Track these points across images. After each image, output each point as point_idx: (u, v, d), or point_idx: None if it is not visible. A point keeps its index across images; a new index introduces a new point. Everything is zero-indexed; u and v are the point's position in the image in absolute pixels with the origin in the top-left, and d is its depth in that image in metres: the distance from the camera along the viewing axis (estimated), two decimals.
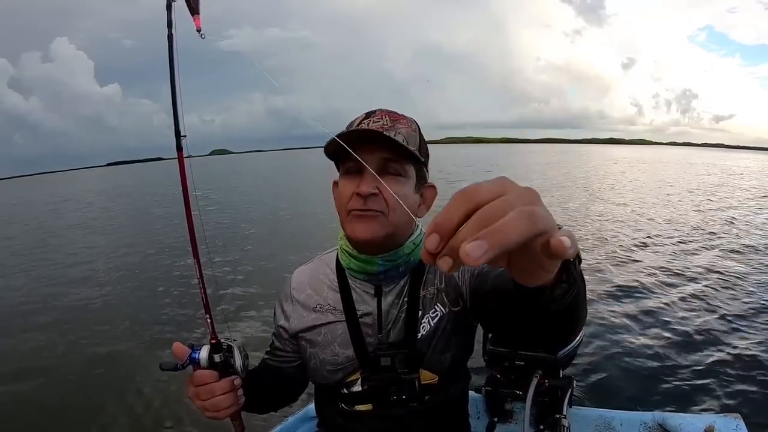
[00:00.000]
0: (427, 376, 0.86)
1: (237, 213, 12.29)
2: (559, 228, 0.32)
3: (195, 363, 0.78)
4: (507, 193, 0.31)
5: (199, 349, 0.79)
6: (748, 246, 6.64)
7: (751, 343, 3.44)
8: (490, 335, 1.29)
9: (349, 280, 0.89)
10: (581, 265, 0.53)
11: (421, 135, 0.84)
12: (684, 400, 2.73)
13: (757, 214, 9.68)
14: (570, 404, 1.37)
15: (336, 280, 0.90)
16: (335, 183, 0.87)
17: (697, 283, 4.94)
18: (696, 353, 3.30)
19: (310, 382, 1.00)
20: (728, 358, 3.22)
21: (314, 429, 1.09)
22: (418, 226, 0.89)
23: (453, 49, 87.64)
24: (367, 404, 0.87)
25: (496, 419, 1.39)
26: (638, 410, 1.53)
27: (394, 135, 0.77)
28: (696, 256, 6.10)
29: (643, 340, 3.54)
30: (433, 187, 0.89)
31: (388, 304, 0.86)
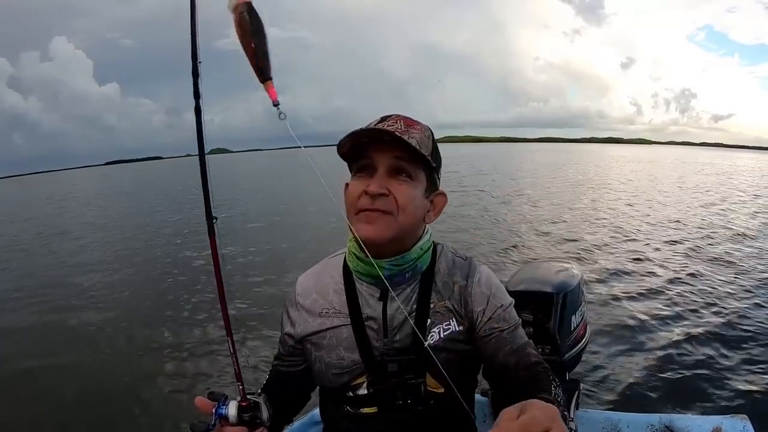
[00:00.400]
0: (433, 384, 0.86)
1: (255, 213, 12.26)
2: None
3: (223, 418, 0.78)
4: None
5: (225, 405, 0.79)
6: (754, 246, 6.63)
7: (757, 343, 3.43)
8: None
9: (356, 283, 0.89)
10: None
11: (434, 142, 0.85)
12: (691, 402, 2.72)
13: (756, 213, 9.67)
14: (577, 407, 1.37)
15: (342, 282, 0.90)
16: (347, 185, 0.87)
17: (702, 284, 4.92)
18: (702, 354, 3.29)
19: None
20: (735, 358, 3.21)
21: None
22: (427, 231, 0.89)
23: (452, 49, 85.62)
24: (372, 407, 0.86)
25: None
26: (645, 412, 1.52)
27: (408, 138, 0.77)
28: (700, 257, 6.09)
29: (649, 342, 3.53)
30: (443, 194, 0.89)
31: (394, 308, 0.86)
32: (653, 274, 5.35)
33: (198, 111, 0.82)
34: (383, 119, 0.81)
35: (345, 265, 0.91)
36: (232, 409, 0.78)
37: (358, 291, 0.88)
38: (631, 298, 4.51)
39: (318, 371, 0.90)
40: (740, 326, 3.74)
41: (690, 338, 3.57)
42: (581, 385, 1.40)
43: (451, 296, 0.88)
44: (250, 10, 0.77)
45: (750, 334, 3.59)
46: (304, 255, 6.54)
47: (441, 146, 0.89)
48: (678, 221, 8.85)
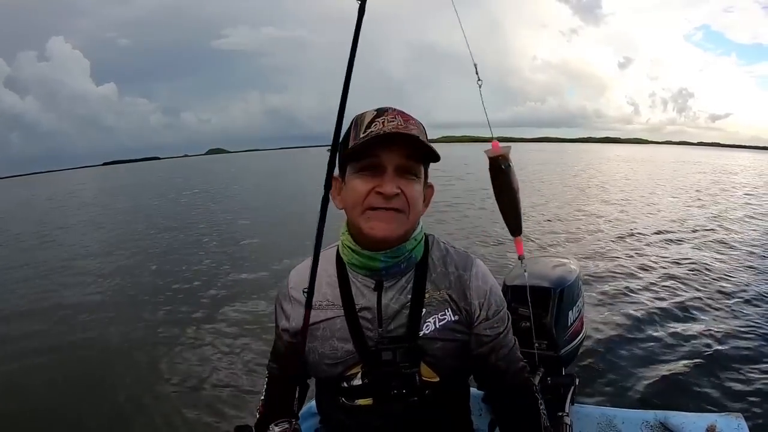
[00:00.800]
0: (428, 373, 0.86)
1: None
2: None
3: None
4: None
5: None
6: (750, 246, 6.66)
7: (753, 342, 3.44)
8: None
9: (350, 274, 0.89)
10: None
11: (426, 134, 0.86)
12: (686, 399, 2.73)
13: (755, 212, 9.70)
14: (572, 402, 1.37)
15: (335, 275, 0.91)
16: (334, 179, 0.88)
17: (699, 282, 4.94)
18: (698, 352, 3.30)
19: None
20: (730, 357, 3.22)
21: (316, 426, 1.09)
22: (419, 222, 0.90)
23: (449, 49, 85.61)
24: (367, 398, 0.87)
25: None
26: (640, 408, 1.53)
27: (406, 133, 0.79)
28: (697, 255, 6.10)
29: (645, 339, 3.55)
30: (432, 186, 0.92)
31: (389, 298, 0.87)
32: (651, 271, 5.37)
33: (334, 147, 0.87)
34: (380, 113, 0.82)
35: (338, 258, 0.92)
36: None
37: (352, 282, 0.89)
38: (629, 295, 4.53)
39: (312, 362, 0.90)
40: (736, 324, 3.76)
41: (686, 336, 3.59)
42: (577, 380, 1.40)
43: (449, 286, 0.89)
44: (509, 165, 0.84)
45: (746, 332, 3.61)
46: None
47: (438, 146, 0.90)
48: (674, 219, 8.89)
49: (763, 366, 3.08)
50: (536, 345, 1.40)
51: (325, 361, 0.88)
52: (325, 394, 0.94)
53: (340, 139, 0.86)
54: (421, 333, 0.85)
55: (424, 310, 0.86)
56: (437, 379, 0.87)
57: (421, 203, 0.85)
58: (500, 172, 0.85)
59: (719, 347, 3.38)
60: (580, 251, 6.43)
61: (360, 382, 0.87)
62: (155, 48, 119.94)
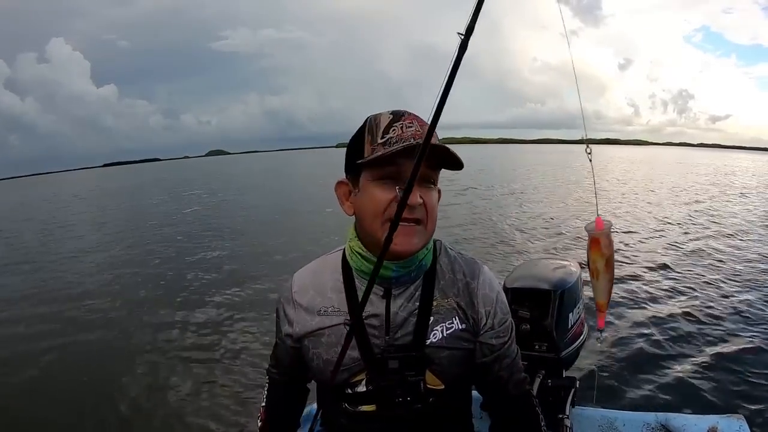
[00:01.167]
0: (433, 381, 0.86)
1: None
2: None
3: None
4: None
5: None
6: (751, 247, 6.65)
7: (754, 344, 3.44)
8: None
9: (356, 281, 0.88)
10: None
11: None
12: (687, 401, 2.73)
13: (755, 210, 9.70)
14: (573, 404, 1.37)
15: (342, 281, 0.89)
16: (340, 183, 0.86)
17: (701, 284, 4.94)
18: (699, 354, 3.30)
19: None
20: (732, 358, 3.22)
21: (317, 429, 1.09)
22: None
23: (448, 50, 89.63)
24: (371, 405, 0.86)
25: None
26: (641, 411, 1.52)
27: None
28: (699, 258, 6.10)
29: (646, 341, 3.54)
30: (439, 190, 0.89)
31: (397, 306, 0.86)
32: (651, 272, 5.36)
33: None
34: (396, 117, 0.79)
35: (343, 263, 0.90)
36: None
37: (359, 289, 0.87)
38: (630, 297, 4.53)
39: (316, 368, 0.89)
40: (737, 326, 3.76)
41: (687, 337, 3.59)
42: (578, 382, 1.40)
43: (457, 294, 0.88)
44: (610, 243, 0.85)
45: (747, 334, 3.60)
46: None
47: None
48: (674, 221, 8.89)
49: (764, 367, 3.07)
50: (536, 347, 1.40)
51: (330, 368, 0.86)
52: (328, 399, 0.93)
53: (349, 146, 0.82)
54: (428, 341, 0.84)
55: (431, 318, 0.85)
56: (442, 387, 0.86)
57: (437, 212, 0.84)
58: (600, 250, 0.86)
59: (720, 349, 3.37)
60: (581, 253, 6.43)
61: (364, 389, 0.86)
62: (155, 49, 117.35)
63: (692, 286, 4.88)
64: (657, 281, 5.03)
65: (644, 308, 4.20)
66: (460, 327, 0.87)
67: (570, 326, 1.45)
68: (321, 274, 0.92)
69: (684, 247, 6.73)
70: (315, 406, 1.08)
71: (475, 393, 1.05)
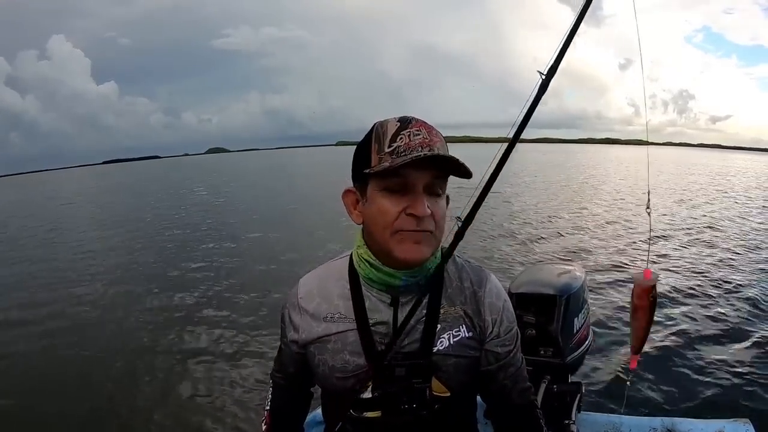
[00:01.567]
0: (439, 388, 0.85)
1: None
2: None
3: None
4: None
5: None
6: (755, 249, 6.62)
7: (760, 347, 3.41)
8: None
9: (363, 288, 0.88)
10: None
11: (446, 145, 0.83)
12: (693, 405, 2.71)
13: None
14: (579, 409, 1.37)
15: (348, 287, 0.89)
16: (348, 191, 0.86)
17: (705, 288, 4.91)
18: (705, 358, 3.28)
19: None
20: (738, 362, 3.20)
21: None
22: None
23: (449, 50, 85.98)
24: (376, 411, 0.86)
25: None
26: (647, 416, 1.52)
27: (437, 151, 0.76)
28: (702, 261, 6.07)
29: (652, 345, 3.52)
30: (447, 196, 0.88)
31: (405, 314, 0.85)
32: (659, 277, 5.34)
33: None
34: (404, 124, 0.78)
35: (351, 270, 0.90)
36: None
37: (366, 296, 0.87)
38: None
39: (322, 374, 0.89)
40: (743, 329, 3.74)
41: (693, 341, 3.57)
42: (583, 387, 1.39)
43: (464, 302, 0.88)
44: (655, 296, 0.90)
45: (753, 337, 3.58)
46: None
47: None
48: (676, 224, 8.85)
49: None
50: (542, 353, 1.39)
51: (336, 375, 0.86)
52: (332, 405, 0.93)
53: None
54: (435, 349, 0.84)
55: (438, 326, 0.85)
56: (448, 394, 0.86)
57: (445, 221, 0.83)
58: (646, 301, 0.90)
59: (726, 352, 3.35)
60: (584, 257, 6.41)
61: (370, 396, 0.85)
62: (156, 47, 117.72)
63: (696, 289, 4.85)
64: (661, 285, 5.01)
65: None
66: (467, 335, 0.86)
67: (575, 331, 1.45)
68: (327, 280, 0.92)
69: (690, 251, 6.69)
70: (319, 411, 1.08)
71: (480, 400, 1.05)
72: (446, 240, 0.89)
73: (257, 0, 69.69)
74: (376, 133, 0.79)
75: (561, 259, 6.30)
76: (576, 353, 1.45)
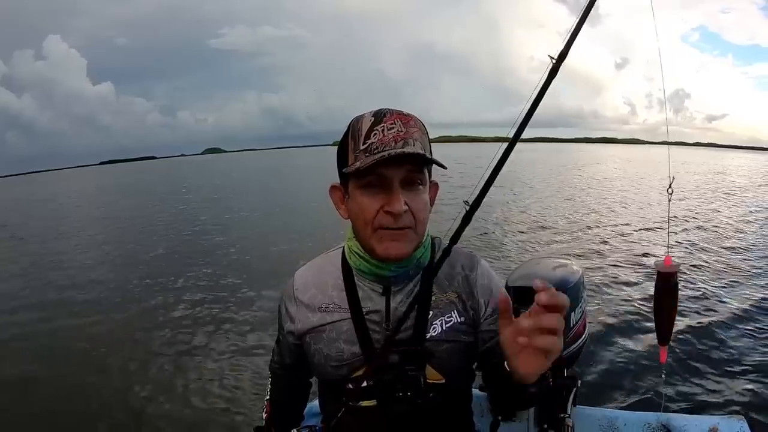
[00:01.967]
0: (434, 375, 0.86)
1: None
2: None
3: None
4: None
5: None
6: (753, 244, 6.65)
7: (755, 344, 3.44)
8: None
9: (356, 278, 0.89)
10: None
11: (427, 133, 0.84)
12: (688, 401, 2.73)
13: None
14: (574, 403, 1.37)
15: (341, 278, 0.90)
16: (334, 187, 0.87)
17: (700, 283, 4.94)
18: (700, 354, 3.31)
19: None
20: (733, 359, 3.23)
21: (318, 425, 1.09)
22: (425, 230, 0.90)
23: (446, 49, 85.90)
24: (371, 400, 0.87)
25: (500, 418, 1.39)
26: (643, 410, 1.53)
27: (413, 144, 0.76)
28: (698, 256, 6.10)
29: (648, 341, 3.54)
30: (436, 184, 0.89)
31: (397, 302, 0.87)
32: (652, 272, 5.36)
33: None
34: (378, 119, 0.78)
35: (343, 261, 0.92)
36: None
37: (359, 286, 0.88)
38: (632, 296, 4.53)
39: (317, 363, 0.90)
40: (738, 327, 3.76)
41: (688, 338, 3.59)
42: (579, 381, 1.40)
43: (457, 287, 0.90)
44: (677, 283, 0.92)
45: (748, 334, 3.60)
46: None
47: (435, 146, 0.87)
48: (674, 220, 8.88)
49: (765, 368, 3.07)
50: None
51: (331, 363, 0.88)
52: (329, 395, 0.94)
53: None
54: (428, 335, 0.85)
55: (431, 312, 0.86)
56: (442, 381, 0.87)
57: (428, 212, 0.83)
58: (668, 288, 0.92)
59: (721, 349, 3.37)
60: (581, 252, 6.43)
61: (365, 384, 0.87)
62: (152, 47, 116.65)
63: (693, 285, 4.87)
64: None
65: (645, 307, 4.20)
66: (459, 320, 0.88)
67: (572, 325, 1.45)
68: (322, 271, 0.94)
69: (685, 247, 6.72)
70: (316, 403, 1.09)
71: (475, 391, 1.05)
72: (453, 226, 0.91)
73: (255, 0, 66.61)
74: (352, 129, 0.80)
75: (559, 253, 6.33)
76: (572, 347, 1.45)
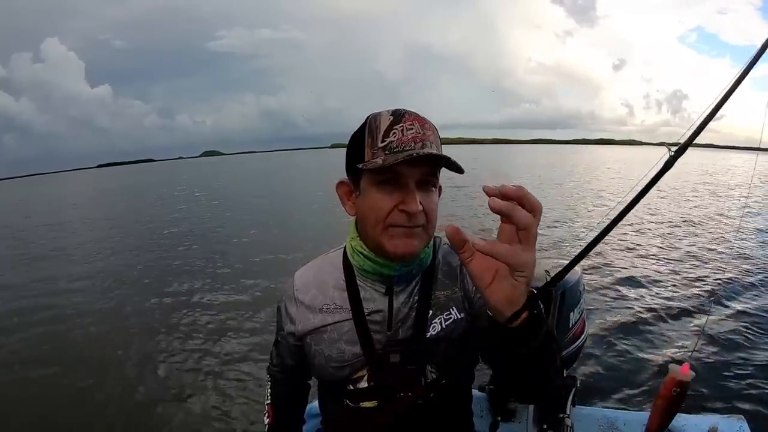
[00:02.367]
0: (434, 375, 0.86)
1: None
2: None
3: None
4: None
5: None
6: (754, 249, 6.65)
7: (755, 344, 3.44)
8: None
9: (358, 278, 0.89)
10: None
11: (439, 137, 0.83)
12: (688, 401, 2.71)
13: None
14: (573, 404, 1.37)
15: (343, 278, 0.90)
16: (342, 183, 0.86)
17: (700, 284, 4.94)
18: (700, 354, 3.30)
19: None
20: (732, 358, 3.22)
21: (318, 426, 1.09)
22: None
23: (443, 50, 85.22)
24: (372, 401, 0.87)
25: (499, 418, 1.39)
26: (642, 410, 1.53)
27: (430, 146, 0.76)
28: (700, 258, 6.10)
29: (646, 341, 3.55)
30: (440, 187, 0.89)
31: (400, 302, 0.87)
32: (654, 272, 5.36)
33: None
34: (396, 118, 0.78)
35: (344, 261, 0.91)
36: None
37: (361, 286, 0.88)
38: (630, 296, 4.53)
39: (318, 364, 0.90)
40: (738, 326, 3.75)
41: (687, 337, 3.59)
42: (578, 381, 1.40)
43: (454, 281, 0.89)
44: (686, 392, 0.94)
45: (748, 334, 3.60)
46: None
47: None
48: (671, 221, 8.89)
49: (764, 367, 3.07)
50: None
51: (332, 364, 0.87)
52: (329, 396, 0.94)
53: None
54: (428, 334, 0.85)
55: (431, 311, 0.86)
56: (443, 381, 0.87)
57: (437, 213, 0.83)
58: (678, 396, 0.96)
59: (721, 349, 3.37)
60: (578, 251, 6.43)
61: (366, 385, 0.86)
62: (150, 49, 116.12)
63: (693, 285, 4.88)
64: (658, 281, 5.03)
65: (644, 307, 4.21)
66: (459, 316, 0.87)
67: (571, 326, 1.45)
68: (322, 271, 0.93)
69: (686, 248, 6.72)
70: (315, 404, 1.09)
71: (475, 391, 1.05)
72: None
73: (251, 1, 67.40)
74: (369, 126, 0.79)
75: (558, 253, 6.33)
76: (571, 348, 1.46)
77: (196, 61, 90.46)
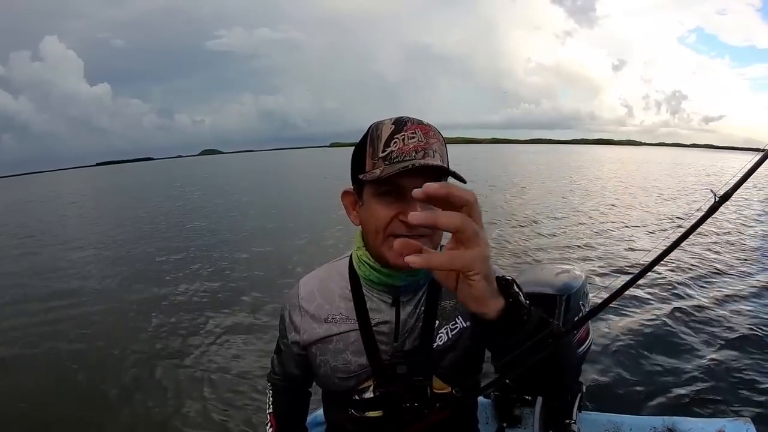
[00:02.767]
0: (440, 385, 0.86)
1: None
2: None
3: None
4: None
5: None
6: (754, 248, 6.62)
7: (761, 346, 3.41)
8: None
9: (364, 289, 0.88)
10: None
11: (445, 144, 0.82)
12: (694, 405, 2.71)
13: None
14: (580, 409, 1.37)
15: (349, 288, 0.89)
16: (347, 192, 0.85)
17: (705, 287, 4.91)
18: (706, 357, 3.28)
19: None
20: (739, 361, 3.20)
21: None
22: None
23: (443, 50, 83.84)
24: (377, 411, 0.86)
25: (505, 424, 1.39)
26: (648, 415, 1.52)
27: (432, 155, 0.75)
28: (703, 260, 6.06)
29: (651, 345, 3.52)
30: None
31: (407, 313, 0.86)
32: (657, 276, 5.33)
33: None
34: (399, 127, 0.77)
35: (350, 271, 0.90)
36: None
37: (367, 297, 0.87)
38: (634, 301, 4.50)
39: (323, 374, 0.89)
40: (744, 329, 3.73)
41: (693, 341, 3.57)
42: (584, 387, 1.39)
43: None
44: None
45: (754, 337, 3.58)
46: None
47: None
48: (676, 223, 8.83)
49: None
50: None
51: (338, 375, 0.87)
52: (334, 405, 0.93)
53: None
54: (435, 345, 0.84)
55: (437, 321, 0.85)
56: (449, 390, 0.86)
57: None
58: None
59: (727, 351, 3.35)
60: (584, 257, 6.40)
61: (371, 395, 0.86)
62: (149, 48, 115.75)
63: (696, 288, 4.85)
64: (661, 284, 5.00)
65: (649, 312, 4.18)
66: (464, 324, 0.86)
67: (576, 331, 1.45)
68: (328, 281, 0.92)
69: (690, 251, 6.68)
70: (320, 412, 1.08)
71: (480, 399, 1.05)
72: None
73: (250, 1, 67.00)
74: (371, 136, 0.79)
75: (562, 259, 6.30)
76: (576, 353, 1.45)
77: (195, 61, 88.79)
